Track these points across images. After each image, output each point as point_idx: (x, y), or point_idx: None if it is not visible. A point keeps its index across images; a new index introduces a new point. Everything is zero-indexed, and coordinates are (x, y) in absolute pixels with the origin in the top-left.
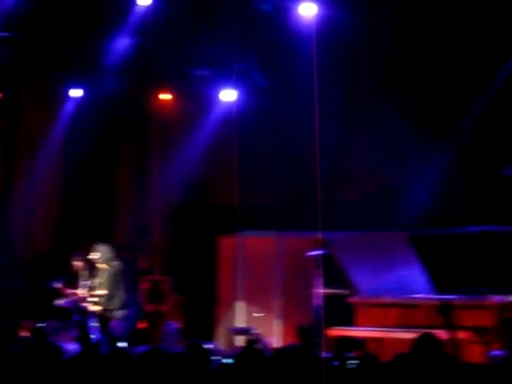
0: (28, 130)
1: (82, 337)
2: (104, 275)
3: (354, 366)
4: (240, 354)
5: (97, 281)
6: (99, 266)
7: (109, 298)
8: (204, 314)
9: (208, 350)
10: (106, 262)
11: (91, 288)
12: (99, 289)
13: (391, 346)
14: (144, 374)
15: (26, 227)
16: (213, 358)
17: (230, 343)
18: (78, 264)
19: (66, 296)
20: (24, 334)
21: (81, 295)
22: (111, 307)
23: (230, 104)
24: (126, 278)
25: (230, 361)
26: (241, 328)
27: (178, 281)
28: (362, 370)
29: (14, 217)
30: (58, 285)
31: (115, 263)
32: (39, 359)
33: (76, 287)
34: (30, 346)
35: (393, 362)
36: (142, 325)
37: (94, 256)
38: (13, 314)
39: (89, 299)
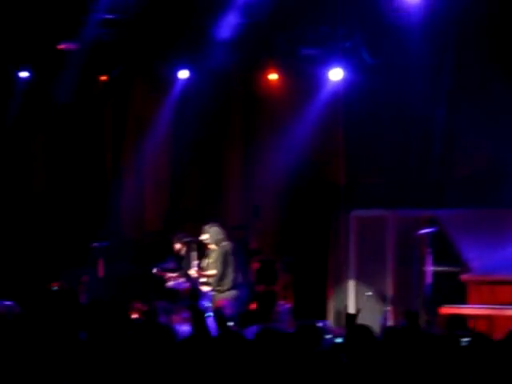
0: (136, 111)
1: (194, 318)
2: (214, 256)
3: (466, 343)
4: (350, 333)
5: (207, 261)
6: (210, 246)
7: (219, 278)
8: (315, 294)
9: (320, 329)
10: (216, 242)
11: (202, 269)
12: (210, 269)
13: (503, 324)
14: (255, 355)
15: (135, 209)
16: (325, 337)
17: (342, 322)
18: (179, 246)
19: (166, 280)
20: (135, 316)
21: (192, 276)
22: (222, 288)
23: (338, 83)
24: (237, 259)
25: (340, 340)
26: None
27: (289, 261)
28: (473, 347)
29: (123, 199)
30: (156, 270)
31: (225, 244)
32: (151, 341)
33: (185, 269)
34: (141, 328)
35: (505, 339)
36: (252, 305)
37: (204, 237)
38: (124, 296)
39: (200, 280)
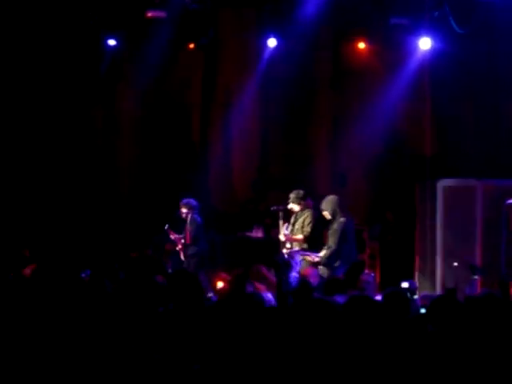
0: (225, 79)
1: (279, 286)
2: (303, 221)
3: None
4: (433, 303)
5: (296, 227)
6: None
7: (308, 244)
8: (402, 263)
9: (407, 297)
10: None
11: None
12: (297, 234)
13: None
14: (343, 323)
15: (223, 178)
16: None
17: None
18: (185, 210)
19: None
20: (221, 284)
21: (281, 240)
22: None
23: (426, 52)
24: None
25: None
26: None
27: (376, 230)
28: None
29: (211, 168)
30: (167, 227)
31: (342, 220)
32: (239, 308)
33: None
34: (228, 296)
35: None
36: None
37: (291, 205)
38: (210, 265)
39: (287, 245)
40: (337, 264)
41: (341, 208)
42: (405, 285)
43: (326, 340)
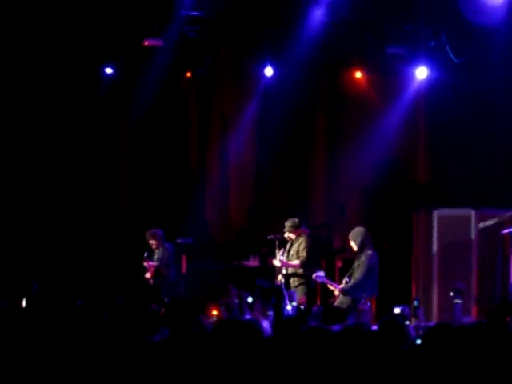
0: (221, 108)
1: (276, 315)
2: (298, 246)
3: None
4: (428, 332)
5: (291, 253)
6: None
7: (303, 268)
8: (399, 293)
9: (404, 326)
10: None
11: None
12: (293, 260)
13: None
14: (338, 353)
15: (220, 206)
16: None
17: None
18: (152, 242)
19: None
20: (215, 313)
21: (277, 266)
22: (302, 282)
23: (423, 82)
24: (316, 254)
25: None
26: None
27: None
28: None
29: (208, 196)
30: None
31: (370, 253)
32: (233, 337)
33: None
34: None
35: None
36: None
37: (287, 234)
38: (206, 293)
39: (282, 265)
40: (360, 296)
41: (368, 240)
42: (397, 310)
43: (322, 369)
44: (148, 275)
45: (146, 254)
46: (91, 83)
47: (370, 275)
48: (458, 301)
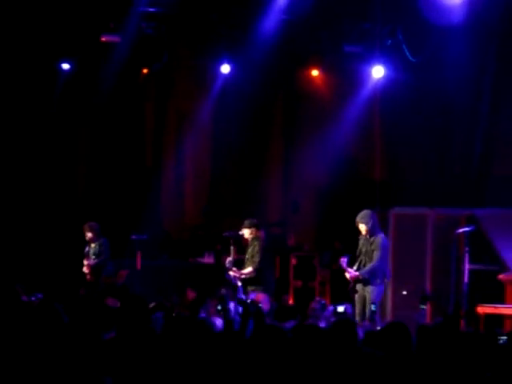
0: (177, 104)
1: (225, 312)
2: (252, 250)
3: (504, 342)
4: (385, 329)
5: (246, 256)
6: (249, 241)
7: (257, 273)
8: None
9: (355, 324)
10: (254, 237)
11: (238, 264)
12: (248, 264)
13: None
14: (291, 350)
15: (175, 203)
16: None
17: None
18: (90, 235)
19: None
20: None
21: (231, 275)
22: (259, 282)
23: (379, 80)
24: (270, 253)
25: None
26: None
27: (326, 257)
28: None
29: (163, 192)
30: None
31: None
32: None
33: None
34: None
35: None
36: (289, 301)
37: (243, 232)
38: (161, 289)
39: (235, 274)
40: (379, 281)
41: (378, 223)
42: (340, 309)
43: (274, 365)
44: (86, 270)
45: (86, 249)
46: (48, 79)
47: (386, 258)
48: (423, 306)
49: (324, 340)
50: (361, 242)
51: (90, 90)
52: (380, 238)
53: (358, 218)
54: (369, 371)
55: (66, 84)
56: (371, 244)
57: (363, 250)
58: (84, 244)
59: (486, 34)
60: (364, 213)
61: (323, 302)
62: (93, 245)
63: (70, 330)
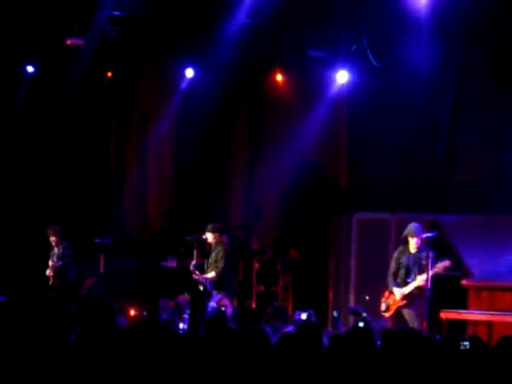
0: (141, 108)
1: (192, 316)
2: (216, 255)
3: (466, 347)
4: (346, 335)
5: (209, 261)
6: (212, 245)
7: (220, 277)
8: (315, 296)
9: (319, 328)
10: (218, 242)
11: (201, 268)
12: (211, 269)
13: (503, 330)
14: (249, 354)
15: (139, 206)
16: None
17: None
18: (53, 239)
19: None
20: (134, 313)
21: (195, 276)
22: (222, 287)
23: (343, 85)
24: (233, 258)
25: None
26: (352, 308)
27: (289, 262)
28: (472, 352)
29: (126, 195)
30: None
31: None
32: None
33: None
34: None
35: (498, 345)
36: (252, 305)
37: (206, 236)
38: (123, 293)
39: (198, 278)
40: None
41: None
42: (303, 316)
43: (236, 368)
44: (49, 273)
45: (51, 253)
46: (12, 81)
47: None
48: (363, 315)
49: (288, 343)
50: (404, 255)
51: (53, 93)
52: (433, 253)
53: (414, 232)
54: (332, 376)
55: (30, 87)
56: (420, 258)
57: (407, 263)
58: (47, 248)
59: (450, 39)
60: (418, 225)
61: (283, 306)
62: (56, 249)
63: (34, 332)
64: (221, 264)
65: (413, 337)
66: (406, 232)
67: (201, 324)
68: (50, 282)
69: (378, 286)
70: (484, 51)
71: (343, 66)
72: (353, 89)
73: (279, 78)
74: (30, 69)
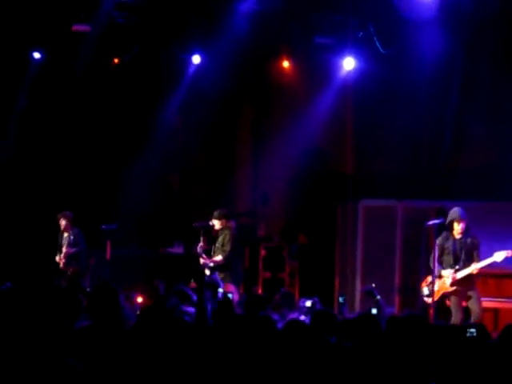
0: (148, 95)
1: (198, 301)
2: (222, 239)
3: (473, 335)
4: (355, 320)
5: (216, 245)
6: (218, 231)
7: (226, 262)
8: (322, 283)
9: (336, 318)
10: (225, 227)
11: (207, 253)
12: (217, 253)
13: (508, 317)
14: (257, 339)
15: (145, 194)
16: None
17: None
18: (64, 223)
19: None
20: (140, 299)
21: (202, 259)
22: (228, 273)
23: (350, 72)
24: (240, 244)
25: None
26: (369, 288)
27: (295, 248)
28: (478, 339)
29: (134, 183)
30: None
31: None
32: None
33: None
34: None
35: (502, 333)
36: (258, 292)
37: (213, 222)
38: (130, 279)
39: (207, 263)
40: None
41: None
42: (308, 303)
43: (248, 357)
44: (60, 259)
45: (62, 239)
46: (19, 68)
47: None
48: (377, 297)
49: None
50: (448, 241)
51: (60, 79)
52: (477, 238)
53: (460, 216)
54: (338, 362)
55: (36, 73)
56: (466, 244)
57: (453, 248)
58: (54, 233)
59: (457, 29)
60: (462, 210)
61: (290, 293)
62: (66, 234)
63: (40, 319)
64: (228, 247)
65: (418, 323)
66: (450, 217)
67: (211, 310)
68: (61, 268)
69: (383, 273)
70: (491, 39)
71: (350, 53)
72: (359, 76)
73: (286, 64)
74: (36, 55)
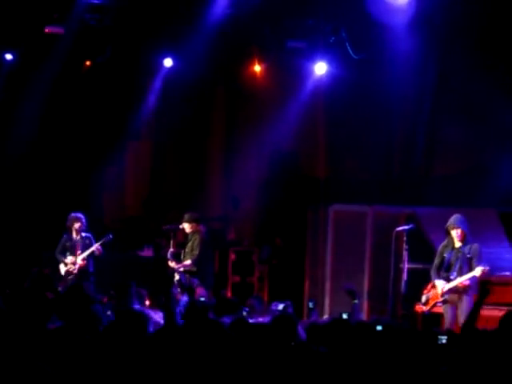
0: (120, 97)
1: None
2: (192, 244)
3: (444, 341)
4: (327, 325)
5: (186, 250)
6: (189, 235)
7: (196, 266)
8: (292, 287)
9: (295, 322)
10: (195, 231)
11: (177, 257)
12: (187, 258)
13: (479, 323)
14: (229, 344)
15: (116, 196)
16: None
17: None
18: (78, 225)
19: None
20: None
21: (171, 264)
22: (199, 276)
23: (322, 77)
24: (210, 248)
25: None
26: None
27: (265, 253)
28: (449, 345)
29: (104, 185)
30: None
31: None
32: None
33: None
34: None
35: (503, 319)
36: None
37: (183, 226)
38: (102, 282)
39: (174, 266)
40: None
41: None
42: (280, 307)
43: (216, 360)
44: (81, 262)
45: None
46: None
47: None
48: (355, 301)
49: (264, 336)
50: (447, 249)
51: (32, 82)
52: (477, 245)
53: (456, 222)
54: (311, 367)
55: (8, 75)
56: (464, 253)
57: (448, 257)
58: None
59: (430, 34)
60: (460, 217)
61: (260, 297)
62: (78, 237)
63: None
64: (196, 252)
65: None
66: (447, 224)
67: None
68: (71, 271)
69: (353, 278)
70: (464, 43)
71: (322, 58)
72: (331, 80)
73: (257, 68)
74: (8, 57)
